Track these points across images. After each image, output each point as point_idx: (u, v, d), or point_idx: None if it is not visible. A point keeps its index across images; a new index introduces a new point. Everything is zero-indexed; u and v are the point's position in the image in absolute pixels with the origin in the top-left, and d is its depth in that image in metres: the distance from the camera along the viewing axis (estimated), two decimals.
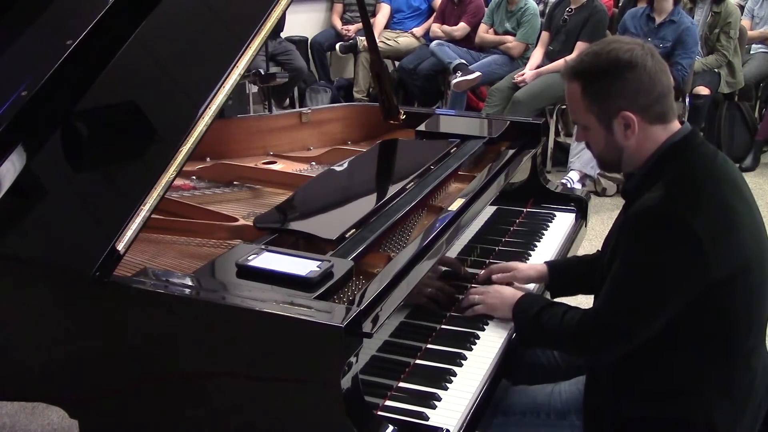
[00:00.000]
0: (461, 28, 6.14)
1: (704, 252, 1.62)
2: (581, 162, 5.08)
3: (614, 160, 1.81)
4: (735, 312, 1.70)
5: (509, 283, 2.14)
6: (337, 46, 6.59)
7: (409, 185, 2.24)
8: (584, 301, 3.66)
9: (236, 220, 2.12)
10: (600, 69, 1.73)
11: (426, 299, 1.95)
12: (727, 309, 1.69)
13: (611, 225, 1.99)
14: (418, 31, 6.58)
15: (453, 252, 2.10)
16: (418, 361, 1.86)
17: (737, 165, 5.65)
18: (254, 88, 5.80)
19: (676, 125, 1.77)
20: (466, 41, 6.13)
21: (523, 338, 1.96)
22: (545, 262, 2.22)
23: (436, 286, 2.01)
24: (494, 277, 2.15)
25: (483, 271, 2.22)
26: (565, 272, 2.17)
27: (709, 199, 1.67)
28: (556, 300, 1.93)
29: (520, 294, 1.98)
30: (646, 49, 1.73)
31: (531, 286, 2.19)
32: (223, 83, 1.84)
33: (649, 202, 1.67)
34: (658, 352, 1.72)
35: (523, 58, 5.83)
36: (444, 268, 2.07)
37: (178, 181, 2.36)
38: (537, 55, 5.61)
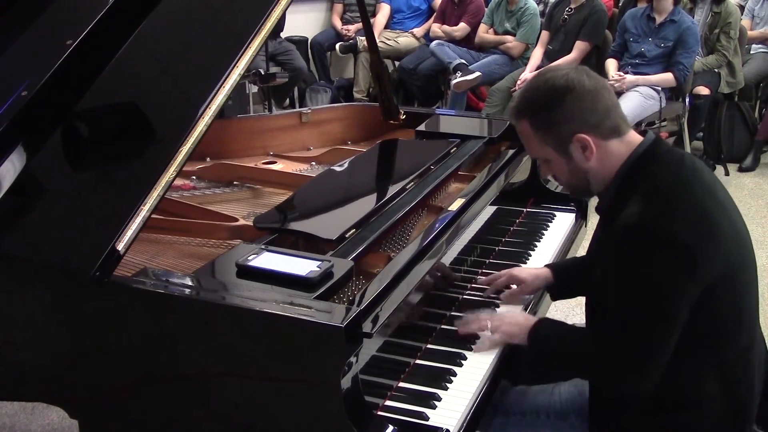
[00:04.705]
0: (461, 29, 6.14)
1: (694, 257, 1.61)
2: None
3: (583, 183, 1.81)
4: (724, 314, 1.70)
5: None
6: (337, 46, 6.58)
7: (409, 185, 2.24)
8: (573, 300, 3.66)
9: (236, 220, 2.12)
10: (541, 100, 1.76)
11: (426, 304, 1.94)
12: (716, 313, 1.68)
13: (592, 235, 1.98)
14: (418, 31, 6.58)
15: (453, 252, 2.10)
16: (418, 361, 1.86)
17: (737, 165, 5.70)
18: (254, 88, 5.80)
19: (635, 136, 1.77)
20: (466, 41, 6.13)
21: (541, 365, 1.93)
22: (547, 266, 2.21)
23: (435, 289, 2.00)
24: (503, 296, 2.13)
25: (484, 278, 2.21)
26: (568, 275, 2.16)
27: (685, 206, 1.67)
28: (572, 324, 1.91)
29: (533, 318, 1.93)
30: (580, 70, 1.76)
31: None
32: (223, 83, 1.84)
33: (629, 219, 1.66)
34: None
35: (523, 58, 5.83)
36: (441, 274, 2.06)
37: (178, 181, 2.36)
38: (537, 54, 5.61)
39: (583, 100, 1.71)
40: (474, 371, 1.82)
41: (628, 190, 1.72)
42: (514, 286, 2.16)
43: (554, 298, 2.22)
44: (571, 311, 3.59)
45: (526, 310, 2.13)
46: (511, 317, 1.96)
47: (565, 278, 2.15)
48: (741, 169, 5.70)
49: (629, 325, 1.67)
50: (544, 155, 1.81)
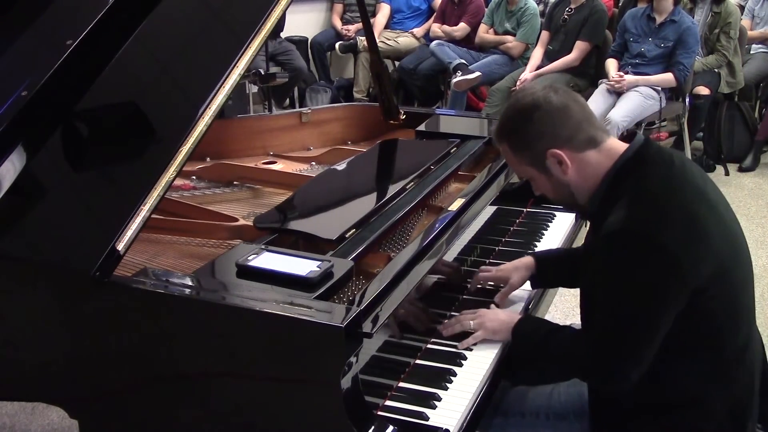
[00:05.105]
0: (461, 29, 6.15)
1: (680, 264, 1.61)
2: None
3: (567, 197, 1.82)
4: (719, 314, 1.70)
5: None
6: (337, 45, 6.59)
7: (409, 185, 2.24)
8: (573, 300, 3.68)
9: (236, 220, 2.12)
10: (513, 122, 1.80)
11: (416, 319, 1.93)
12: (711, 312, 1.68)
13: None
14: (418, 31, 6.58)
15: (453, 252, 2.10)
16: (418, 361, 1.86)
17: (737, 165, 5.70)
18: (254, 88, 5.80)
19: (615, 144, 1.77)
20: (466, 41, 6.14)
21: (526, 362, 1.93)
22: (531, 255, 2.21)
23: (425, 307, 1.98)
24: (496, 298, 2.12)
25: (474, 283, 2.19)
26: (552, 267, 2.17)
27: (672, 210, 1.66)
28: (556, 323, 1.92)
29: (516, 315, 1.95)
30: (548, 87, 1.79)
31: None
32: (223, 83, 1.84)
33: (615, 225, 1.66)
34: (653, 367, 1.71)
35: (523, 58, 5.84)
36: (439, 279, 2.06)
37: (178, 181, 2.36)
38: (537, 54, 5.62)
39: (550, 116, 1.74)
40: (474, 371, 1.82)
41: (615, 194, 1.72)
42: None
43: (534, 287, 2.22)
44: (572, 311, 3.60)
45: (527, 309, 2.13)
46: (494, 314, 1.97)
47: (547, 269, 2.16)
48: (741, 169, 5.70)
49: (613, 328, 1.68)
50: (527, 174, 1.84)
